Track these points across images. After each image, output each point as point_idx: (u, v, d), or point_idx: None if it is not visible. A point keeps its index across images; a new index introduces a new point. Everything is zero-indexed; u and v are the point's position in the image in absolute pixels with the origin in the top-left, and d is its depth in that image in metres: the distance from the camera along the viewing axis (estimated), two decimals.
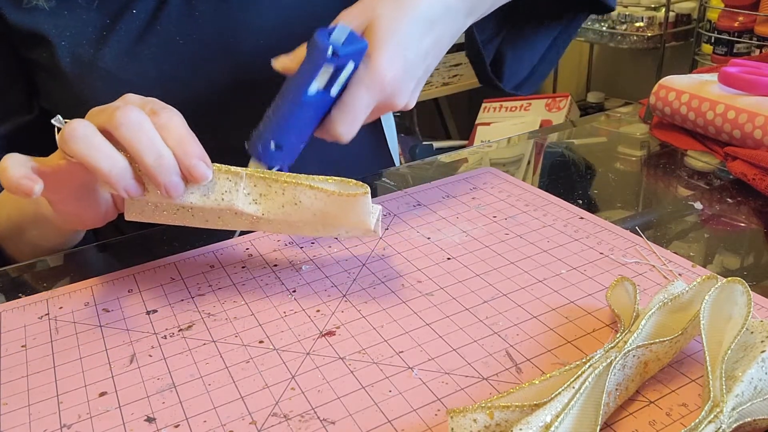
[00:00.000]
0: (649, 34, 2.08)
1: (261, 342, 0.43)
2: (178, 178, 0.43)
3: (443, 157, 0.73)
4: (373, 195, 0.62)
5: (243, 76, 0.64)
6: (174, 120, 0.43)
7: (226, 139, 0.54)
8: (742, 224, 0.56)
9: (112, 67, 0.59)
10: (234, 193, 0.44)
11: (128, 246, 0.57)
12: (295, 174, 0.45)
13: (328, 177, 0.44)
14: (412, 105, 0.50)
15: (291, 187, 0.44)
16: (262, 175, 0.44)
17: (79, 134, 0.41)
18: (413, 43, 0.48)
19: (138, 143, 0.41)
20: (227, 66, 0.63)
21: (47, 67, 0.61)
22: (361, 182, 0.44)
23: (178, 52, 0.61)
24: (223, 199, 0.44)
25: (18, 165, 0.41)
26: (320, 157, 0.65)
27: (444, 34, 0.51)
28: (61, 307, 0.47)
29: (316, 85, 0.45)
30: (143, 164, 0.42)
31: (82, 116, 0.43)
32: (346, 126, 0.47)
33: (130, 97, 0.45)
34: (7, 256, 0.61)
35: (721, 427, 0.31)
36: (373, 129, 0.79)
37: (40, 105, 0.65)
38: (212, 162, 0.44)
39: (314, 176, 0.45)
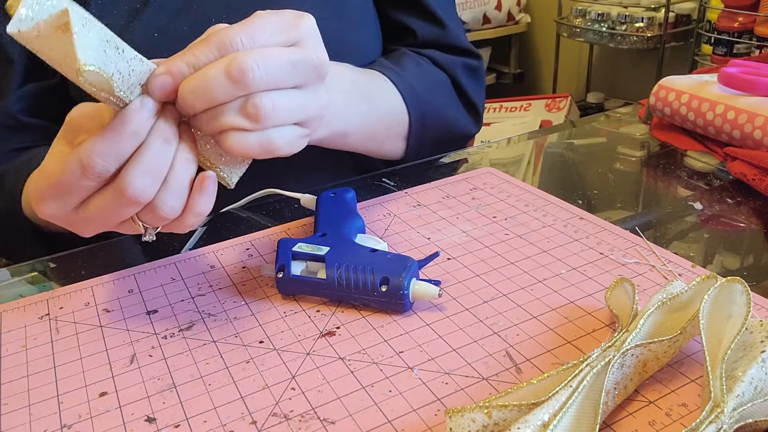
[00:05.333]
0: (649, 35, 2.09)
1: (261, 342, 0.43)
2: None
3: (443, 158, 0.73)
4: (374, 195, 0.62)
5: None
6: None
7: None
8: (742, 224, 0.56)
9: (140, 43, 0.57)
10: None
11: (128, 246, 0.57)
12: None
13: None
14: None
15: None
16: None
17: None
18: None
19: None
20: None
21: None
22: None
23: None
24: None
25: None
26: (322, 156, 0.64)
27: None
28: (61, 307, 0.47)
29: None
30: None
31: None
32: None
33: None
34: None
35: (722, 427, 0.31)
36: None
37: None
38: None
39: None
